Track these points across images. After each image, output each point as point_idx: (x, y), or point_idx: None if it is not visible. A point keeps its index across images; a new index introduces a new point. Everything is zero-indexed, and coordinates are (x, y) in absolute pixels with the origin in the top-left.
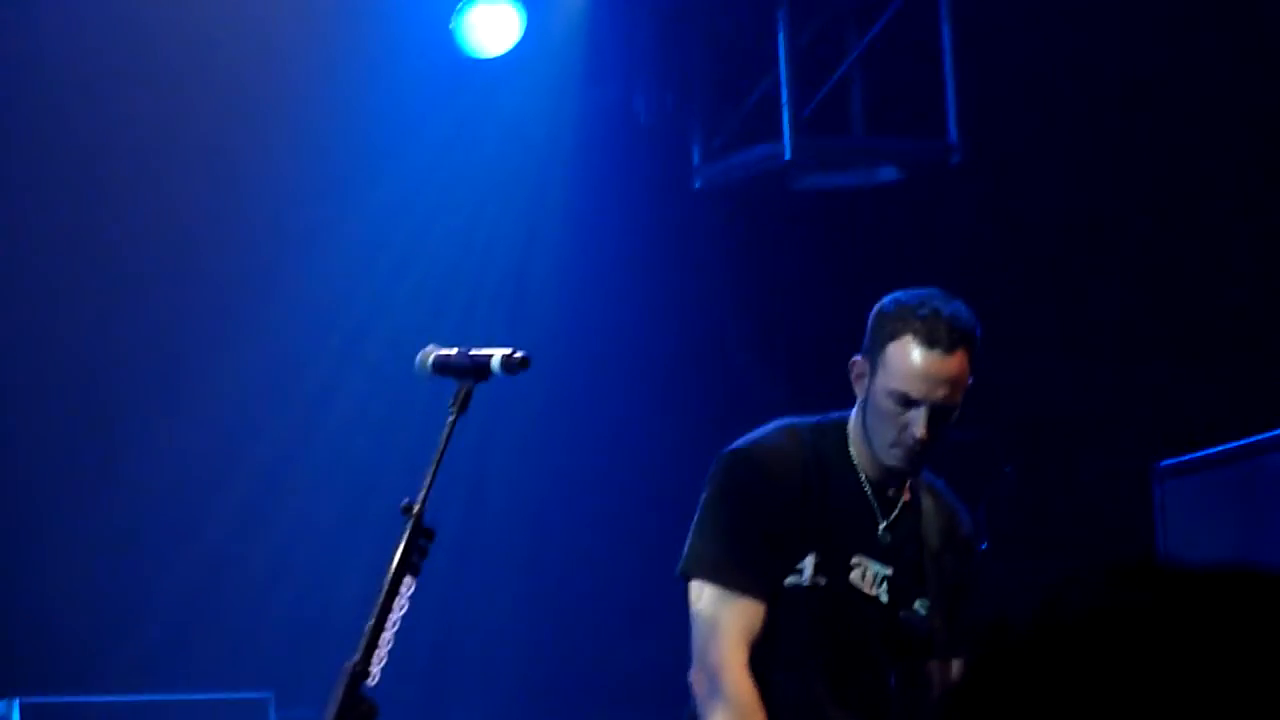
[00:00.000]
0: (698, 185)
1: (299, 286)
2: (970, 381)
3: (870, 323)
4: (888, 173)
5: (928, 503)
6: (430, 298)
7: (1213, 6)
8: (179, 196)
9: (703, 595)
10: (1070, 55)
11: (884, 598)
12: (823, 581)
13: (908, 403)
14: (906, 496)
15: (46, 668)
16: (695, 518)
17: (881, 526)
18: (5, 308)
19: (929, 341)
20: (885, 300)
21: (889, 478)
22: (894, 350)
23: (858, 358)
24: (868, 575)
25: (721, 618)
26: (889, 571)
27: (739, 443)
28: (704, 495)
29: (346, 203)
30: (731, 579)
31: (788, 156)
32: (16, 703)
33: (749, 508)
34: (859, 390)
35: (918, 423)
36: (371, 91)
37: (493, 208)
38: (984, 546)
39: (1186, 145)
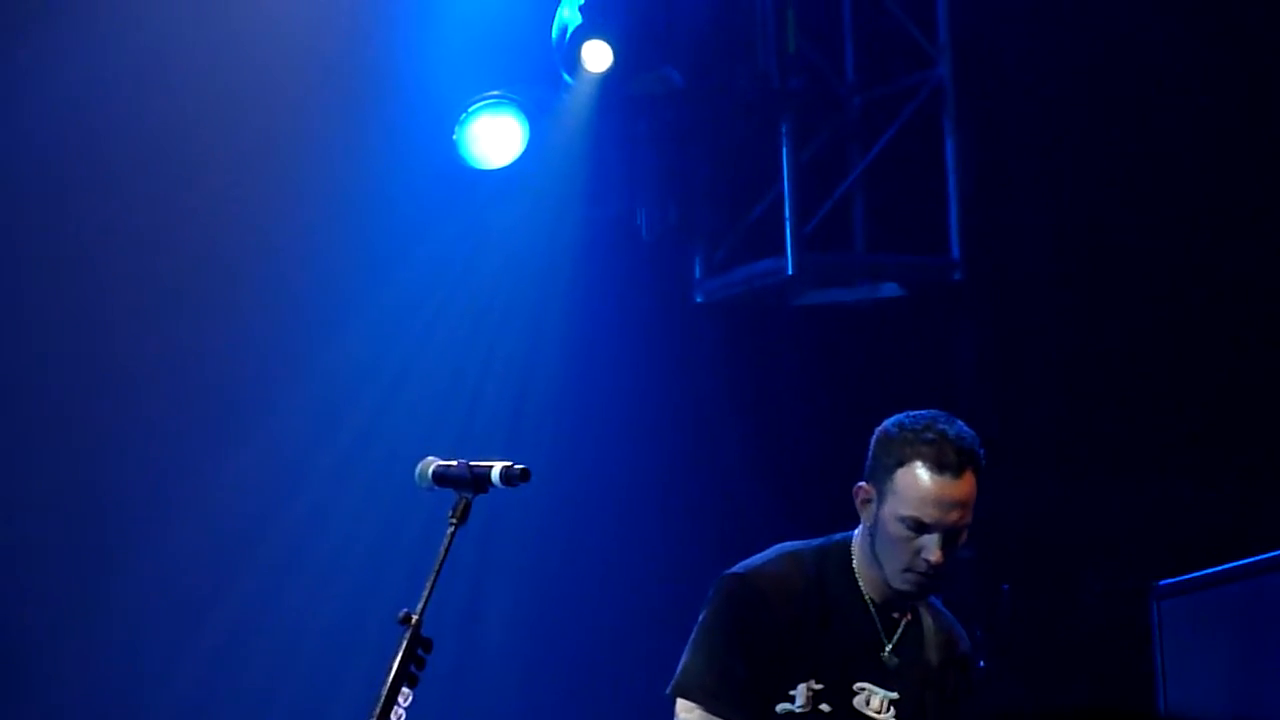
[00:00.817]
0: (699, 299)
1: (297, 395)
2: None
3: (873, 447)
4: (890, 289)
5: (928, 621)
6: (430, 409)
7: (1222, 114)
8: (184, 299)
9: (685, 717)
10: (1074, 176)
11: None
12: (826, 709)
13: (920, 528)
14: (908, 617)
15: None
16: (691, 637)
17: (888, 649)
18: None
19: (939, 467)
20: (888, 424)
21: (897, 601)
22: (903, 477)
23: (863, 484)
24: (873, 701)
25: None
26: (895, 695)
27: (739, 566)
28: (701, 616)
29: (348, 309)
30: (715, 704)
31: (790, 272)
32: None
33: (741, 633)
34: (865, 516)
35: (931, 548)
36: (373, 200)
37: (494, 318)
38: (981, 665)
39: (1191, 257)
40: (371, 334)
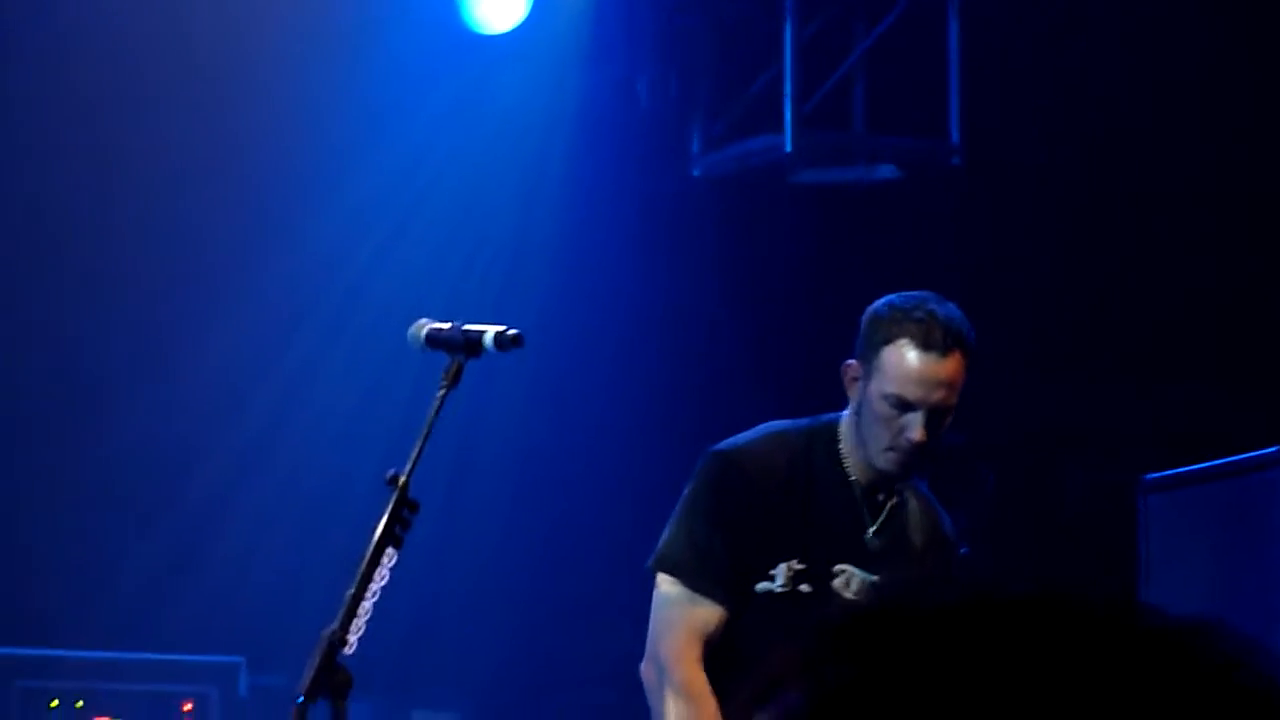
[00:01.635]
0: (696, 173)
1: (289, 256)
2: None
3: (863, 326)
4: (887, 170)
5: (913, 504)
6: (423, 271)
7: (1220, 9)
8: (169, 162)
9: (665, 590)
10: (1076, 61)
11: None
12: (806, 589)
13: (904, 406)
14: (893, 500)
15: (18, 621)
16: (674, 512)
17: (870, 531)
18: None
19: (925, 344)
20: (878, 304)
21: (881, 482)
22: (889, 354)
23: (851, 361)
24: (853, 583)
25: (679, 615)
26: (874, 579)
27: (725, 444)
28: (685, 491)
29: (343, 171)
30: (695, 580)
31: (788, 149)
32: None
33: (722, 511)
34: (852, 394)
35: (914, 426)
36: (373, 61)
37: (490, 183)
38: (964, 551)
39: (1189, 155)
40: (367, 196)
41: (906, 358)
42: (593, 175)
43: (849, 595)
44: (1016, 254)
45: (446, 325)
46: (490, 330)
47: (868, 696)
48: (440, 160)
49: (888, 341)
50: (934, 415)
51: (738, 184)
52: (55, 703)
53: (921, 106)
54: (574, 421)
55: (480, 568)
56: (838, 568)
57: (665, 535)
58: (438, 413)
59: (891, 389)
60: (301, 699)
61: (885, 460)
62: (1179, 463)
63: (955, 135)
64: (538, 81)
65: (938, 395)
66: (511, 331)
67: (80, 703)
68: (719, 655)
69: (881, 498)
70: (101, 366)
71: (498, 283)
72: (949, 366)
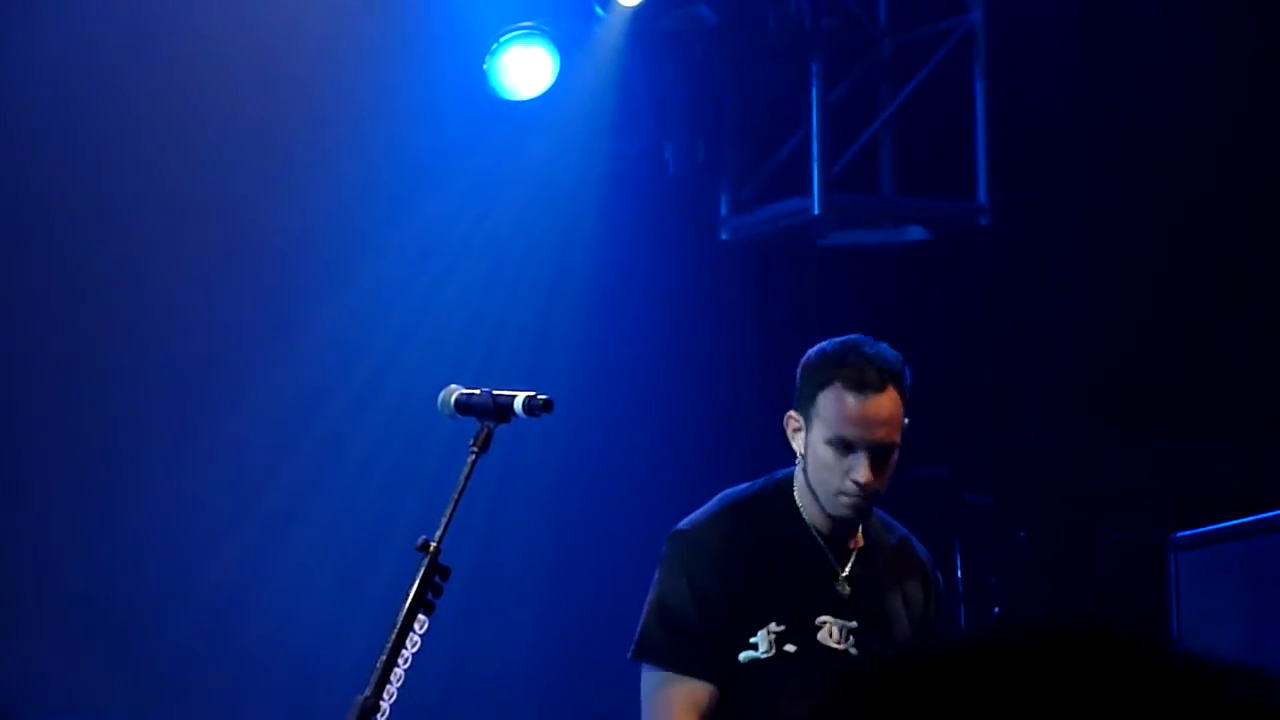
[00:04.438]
0: (725, 236)
1: (321, 322)
2: (907, 421)
3: (798, 377)
4: (915, 232)
5: (882, 540)
6: (453, 339)
7: (1252, 65)
8: (208, 229)
9: (650, 678)
10: (1102, 121)
11: (853, 650)
12: (791, 649)
13: (846, 447)
14: (860, 542)
15: (50, 693)
16: (646, 600)
17: (841, 578)
18: (22, 328)
19: (859, 386)
20: (809, 353)
21: (840, 528)
22: (825, 399)
23: (791, 413)
24: (835, 633)
25: (667, 700)
26: (854, 624)
27: (683, 523)
28: (655, 578)
29: (373, 238)
30: (678, 662)
31: (816, 212)
32: None
33: (693, 590)
34: (796, 445)
35: (858, 468)
36: (402, 129)
37: (519, 250)
38: (960, 590)
39: (1218, 217)
40: (397, 263)
41: (843, 400)
42: (622, 240)
43: (834, 645)
44: (1045, 313)
45: (476, 391)
46: (520, 396)
47: None
48: (470, 226)
49: (822, 387)
50: (877, 454)
51: (766, 247)
52: None
53: (948, 168)
54: (605, 485)
55: (513, 633)
56: (819, 620)
57: (640, 624)
58: (468, 478)
59: (832, 433)
60: None
61: (837, 506)
62: (1210, 520)
63: (982, 196)
64: (566, 148)
65: (878, 434)
66: (541, 397)
67: None
68: None
69: (846, 543)
70: (127, 433)
71: (528, 348)
72: (885, 404)
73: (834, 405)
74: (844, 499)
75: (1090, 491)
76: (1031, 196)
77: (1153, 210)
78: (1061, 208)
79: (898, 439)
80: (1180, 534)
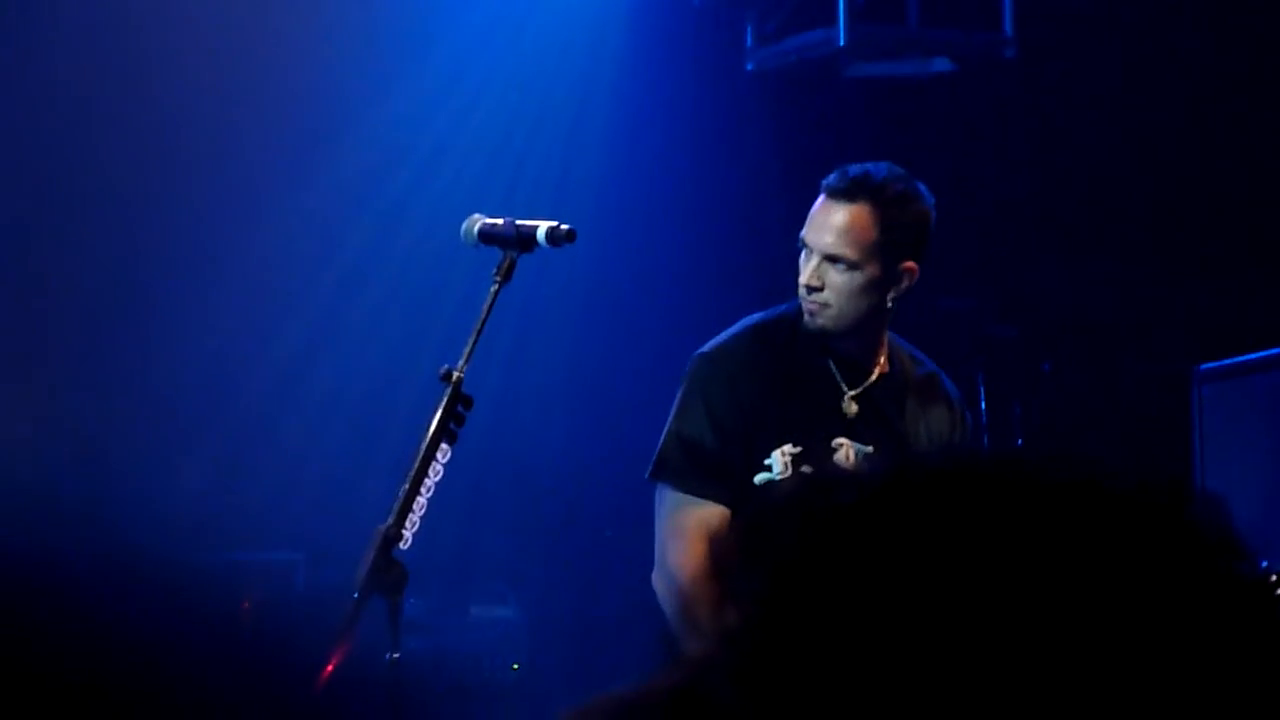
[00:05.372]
0: (750, 67)
1: (344, 154)
2: (885, 241)
3: None
4: (941, 63)
5: (904, 368)
6: (477, 169)
7: None
8: (222, 65)
9: (665, 498)
10: None
11: None
12: (808, 470)
13: (805, 248)
14: (885, 368)
15: (78, 522)
16: (667, 420)
17: (846, 397)
18: (47, 172)
19: (830, 191)
20: None
21: (841, 345)
22: (814, 205)
23: None
24: (851, 455)
25: (682, 521)
26: (869, 449)
27: (706, 346)
28: (676, 397)
29: (396, 73)
30: (693, 483)
31: (841, 43)
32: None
33: (710, 411)
34: None
35: (808, 269)
36: None
37: (544, 81)
38: (969, 418)
39: (1248, 49)
40: (420, 98)
41: (817, 203)
42: (647, 71)
43: (849, 468)
44: (1070, 146)
45: (499, 221)
46: (543, 225)
47: (812, 579)
48: (493, 59)
49: (819, 193)
50: (828, 260)
51: (791, 78)
52: None
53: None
54: (628, 318)
55: (536, 463)
56: (835, 442)
57: (660, 444)
58: (491, 308)
59: (802, 233)
60: (357, 595)
61: (804, 313)
62: (1233, 352)
63: (1008, 28)
64: None
65: (826, 239)
66: (564, 227)
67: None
68: None
69: (862, 362)
70: (151, 268)
71: (552, 180)
72: (844, 213)
73: (813, 208)
74: (803, 304)
75: (1115, 324)
76: (1057, 29)
77: (1182, 42)
78: (1087, 40)
79: (850, 255)
80: (1204, 366)
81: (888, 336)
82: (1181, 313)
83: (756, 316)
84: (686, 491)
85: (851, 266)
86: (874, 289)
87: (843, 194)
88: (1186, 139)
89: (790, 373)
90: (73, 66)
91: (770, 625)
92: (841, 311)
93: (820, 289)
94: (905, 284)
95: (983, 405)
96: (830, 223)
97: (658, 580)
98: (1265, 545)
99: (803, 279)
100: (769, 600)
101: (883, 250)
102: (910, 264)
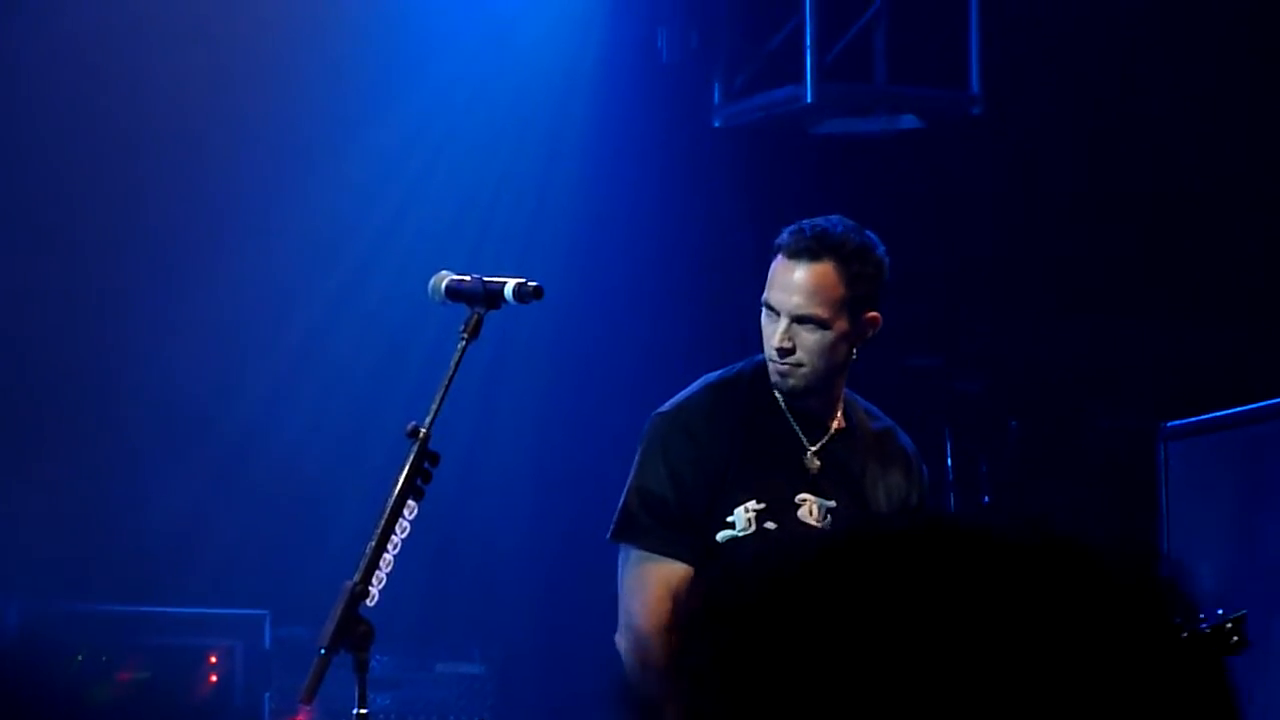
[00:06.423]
0: (717, 124)
1: (311, 207)
2: (850, 296)
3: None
4: (909, 120)
5: (860, 422)
6: (444, 225)
7: None
8: (189, 109)
9: (627, 557)
10: (1092, 9)
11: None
12: (770, 526)
13: (771, 311)
14: (840, 424)
15: (45, 574)
16: (627, 481)
17: (809, 453)
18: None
19: (791, 252)
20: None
21: (798, 399)
22: (773, 265)
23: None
24: (815, 511)
25: (643, 579)
26: (832, 503)
27: (665, 405)
28: (636, 458)
29: (362, 124)
30: (655, 541)
31: (809, 100)
32: (14, 606)
33: (670, 469)
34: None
35: (777, 332)
36: (391, 14)
37: (511, 137)
38: (925, 471)
39: (1210, 104)
40: (387, 149)
41: (777, 265)
42: (614, 126)
43: (813, 523)
44: (1036, 202)
45: (467, 277)
46: (510, 282)
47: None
48: (461, 112)
49: (774, 254)
50: (798, 322)
51: (759, 135)
52: (80, 657)
53: (942, 57)
54: (594, 374)
55: (503, 520)
56: (799, 498)
57: (620, 503)
58: (458, 365)
59: (765, 296)
60: (324, 650)
61: (772, 375)
62: (1200, 409)
63: (975, 85)
64: (558, 34)
65: (795, 300)
66: (531, 284)
67: (105, 657)
68: None
69: (819, 418)
70: (116, 320)
71: (519, 235)
72: (810, 274)
73: (773, 270)
74: (773, 366)
75: (1081, 380)
76: (1024, 86)
77: (1147, 100)
78: (1053, 97)
79: (821, 314)
80: (1170, 423)
81: (844, 391)
82: (1148, 369)
83: (714, 375)
84: (648, 549)
85: (821, 325)
86: (843, 343)
87: (805, 253)
88: (1154, 195)
89: (750, 429)
90: (65, 80)
91: (730, 686)
92: (814, 370)
93: (792, 350)
94: (869, 334)
95: (949, 461)
96: (796, 283)
97: (620, 639)
98: (1229, 598)
99: (773, 342)
100: (729, 662)
101: (850, 305)
102: (874, 314)
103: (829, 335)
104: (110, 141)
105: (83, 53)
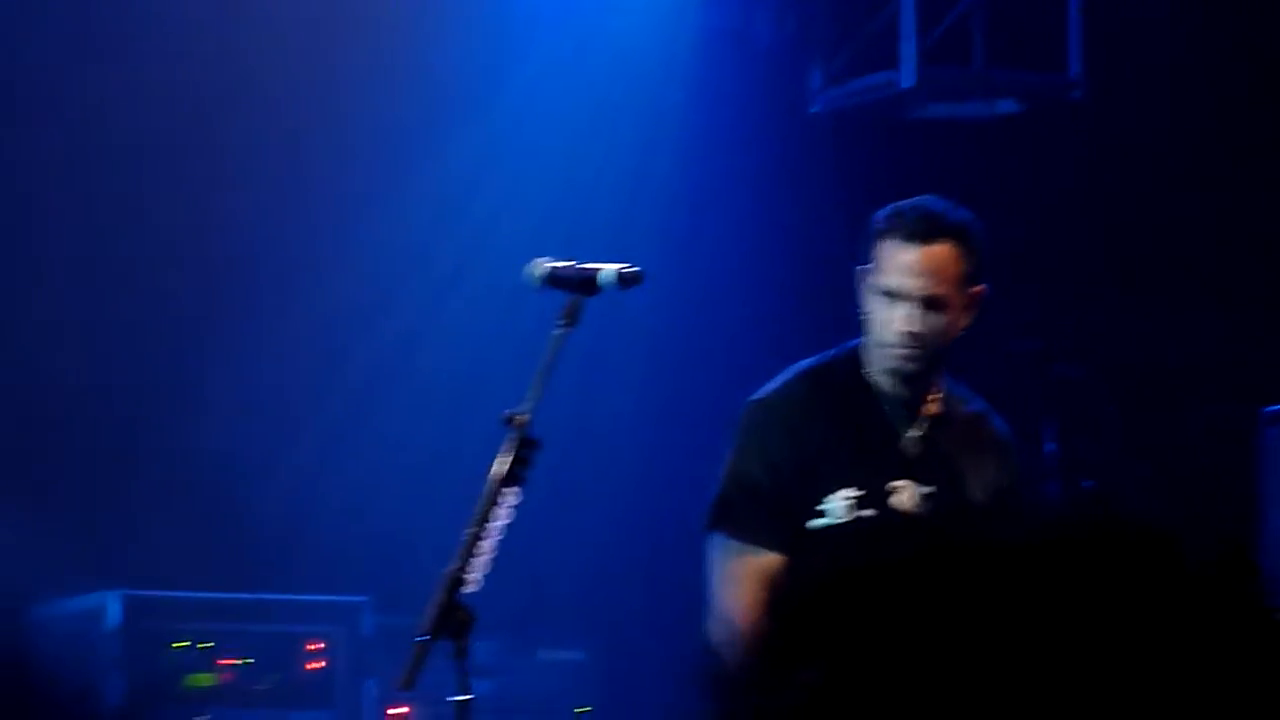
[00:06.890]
0: (814, 109)
1: (410, 199)
2: (982, 288)
3: (869, 232)
4: (1007, 105)
5: (953, 406)
6: (541, 214)
7: None
8: (301, 98)
9: (720, 546)
10: None
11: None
12: (869, 513)
13: (892, 296)
14: (935, 409)
15: (148, 563)
16: (721, 470)
17: (904, 437)
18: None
19: (908, 235)
20: (882, 209)
21: (903, 385)
22: (880, 250)
23: (860, 268)
24: (910, 496)
25: (735, 569)
26: (930, 489)
27: (758, 393)
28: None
29: (463, 115)
30: (748, 531)
31: (906, 84)
32: (120, 595)
33: (764, 458)
34: (862, 300)
35: (901, 316)
36: (485, 6)
37: (607, 126)
38: (1054, 463)
39: None
40: (486, 139)
41: (893, 249)
42: (710, 114)
43: (909, 508)
44: (1138, 187)
45: (565, 264)
46: (608, 268)
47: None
48: (559, 101)
49: (880, 239)
50: (924, 305)
51: (856, 120)
52: (181, 645)
53: (1041, 41)
54: (694, 359)
55: (603, 507)
56: (896, 484)
57: (715, 492)
58: (557, 352)
59: (882, 280)
60: (424, 637)
61: (886, 359)
62: None
63: (1075, 69)
64: (654, 22)
65: (920, 283)
66: (630, 269)
67: (207, 644)
68: None
69: (914, 403)
70: (219, 309)
71: (617, 222)
72: (931, 255)
73: (885, 254)
74: (890, 350)
75: (1182, 365)
76: (1124, 70)
77: (1247, 83)
78: (1154, 81)
79: (946, 293)
80: (1271, 409)
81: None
82: (1249, 354)
83: (807, 362)
84: (742, 539)
85: (946, 305)
86: (964, 319)
87: (920, 235)
88: (1254, 180)
89: (845, 416)
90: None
91: (838, 684)
92: (935, 351)
93: (919, 333)
94: (976, 310)
95: (1052, 446)
96: (919, 265)
97: (714, 629)
98: None
99: (897, 327)
100: (834, 654)
101: (967, 281)
102: (980, 287)
103: (951, 314)
104: (213, 142)
105: (185, 57)
